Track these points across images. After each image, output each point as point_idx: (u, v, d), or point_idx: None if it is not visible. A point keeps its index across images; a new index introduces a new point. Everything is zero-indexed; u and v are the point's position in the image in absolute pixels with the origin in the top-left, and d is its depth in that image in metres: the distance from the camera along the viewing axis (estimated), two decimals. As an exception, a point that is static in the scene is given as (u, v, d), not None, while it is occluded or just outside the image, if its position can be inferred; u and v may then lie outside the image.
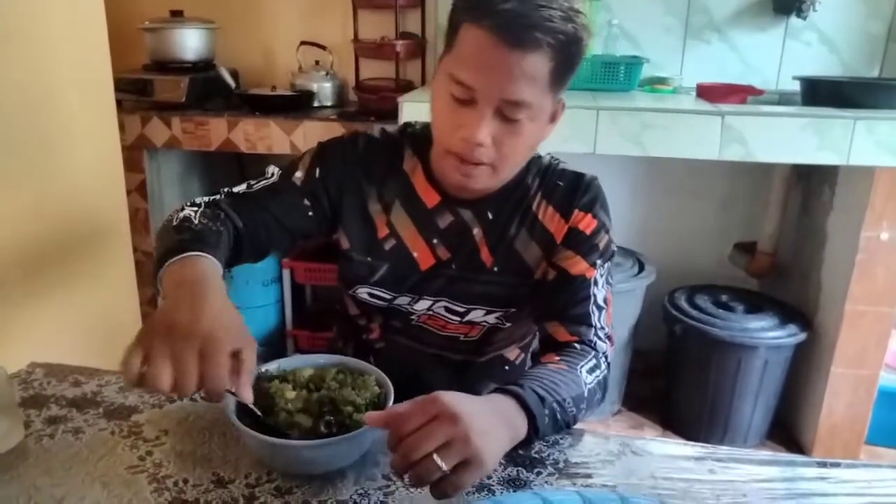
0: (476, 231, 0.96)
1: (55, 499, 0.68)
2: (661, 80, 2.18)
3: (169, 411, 0.84)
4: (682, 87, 2.18)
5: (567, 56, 0.81)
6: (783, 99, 2.09)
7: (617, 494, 0.57)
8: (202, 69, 2.29)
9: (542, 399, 0.76)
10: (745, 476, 0.75)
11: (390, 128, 1.02)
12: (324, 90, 2.31)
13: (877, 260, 1.85)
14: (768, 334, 1.97)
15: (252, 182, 0.96)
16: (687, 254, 2.46)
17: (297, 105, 2.21)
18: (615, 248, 0.98)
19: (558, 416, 0.78)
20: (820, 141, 1.73)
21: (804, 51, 2.20)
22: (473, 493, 0.70)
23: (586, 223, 0.94)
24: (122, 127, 1.50)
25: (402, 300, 0.98)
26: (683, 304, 2.13)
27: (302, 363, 0.83)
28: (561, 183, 0.96)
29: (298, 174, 0.96)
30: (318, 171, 0.96)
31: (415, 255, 0.96)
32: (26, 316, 1.19)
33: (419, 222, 0.96)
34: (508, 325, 1.00)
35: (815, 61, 2.20)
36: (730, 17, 2.22)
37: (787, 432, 2.19)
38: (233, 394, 0.67)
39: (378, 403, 0.76)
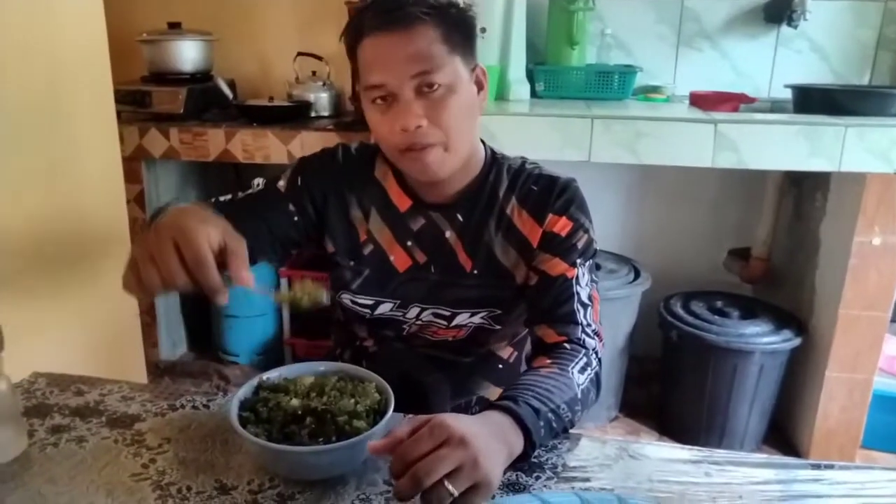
0: (449, 234, 0.98)
1: (60, 506, 0.68)
2: (655, 89, 2.20)
3: (172, 419, 0.85)
4: (675, 96, 2.20)
5: (451, 20, 0.86)
6: (775, 106, 2.11)
7: (615, 496, 0.58)
8: (200, 80, 2.31)
9: (536, 411, 0.76)
10: (740, 478, 0.76)
11: (365, 141, 1.07)
12: (321, 100, 2.32)
13: (869, 265, 1.87)
14: (763, 340, 1.99)
15: (239, 193, 1.00)
16: (682, 260, 2.48)
17: (294, 115, 2.23)
18: (597, 247, 1.00)
19: (554, 425, 0.78)
20: (812, 148, 1.75)
21: (795, 59, 2.23)
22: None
23: (561, 226, 0.95)
24: (120, 138, 1.52)
25: (385, 307, 1.00)
26: (679, 310, 2.14)
27: (302, 371, 0.84)
28: (535, 187, 0.97)
29: (281, 183, 1.00)
30: (300, 179, 1.00)
31: (391, 258, 0.99)
32: (28, 326, 1.19)
33: (393, 226, 0.99)
34: (497, 327, 1.01)
35: (807, 69, 2.23)
36: (721, 25, 2.25)
37: (783, 437, 2.20)
38: (230, 282, 0.69)
39: (378, 410, 0.77)
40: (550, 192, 0.96)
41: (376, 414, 0.76)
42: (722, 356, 2.01)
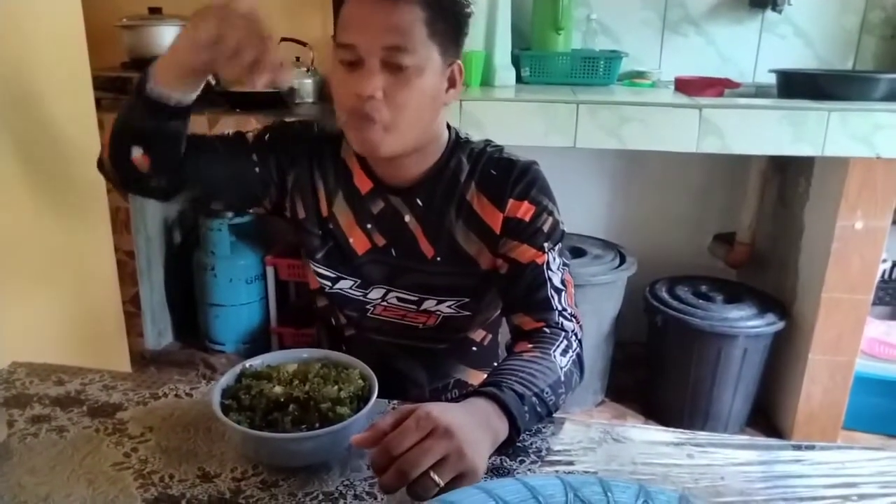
0: (409, 219, 0.97)
1: (40, 497, 0.68)
2: (640, 74, 2.20)
3: (154, 408, 0.84)
4: (660, 81, 2.20)
5: (441, 6, 0.85)
6: (759, 92, 2.12)
7: (598, 479, 0.58)
8: (181, 66, 2.27)
9: (520, 396, 0.76)
10: (722, 460, 0.77)
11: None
12: (305, 87, 2.30)
13: (851, 249, 1.89)
14: (747, 324, 2.01)
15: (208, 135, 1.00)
16: (667, 245, 2.49)
17: (278, 102, 2.20)
18: (564, 229, 0.97)
19: (538, 409, 0.78)
20: (795, 133, 1.76)
21: (780, 44, 2.24)
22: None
23: (523, 211, 0.93)
24: (100, 125, 1.49)
25: (346, 283, 1.00)
26: (664, 295, 2.16)
27: (286, 358, 0.84)
28: (495, 172, 0.95)
29: (249, 134, 0.99)
30: (267, 135, 0.99)
31: (351, 240, 0.99)
32: (6, 315, 1.18)
33: (355, 208, 0.98)
34: (468, 313, 1.01)
35: (791, 54, 2.23)
36: (706, 11, 2.25)
37: (766, 419, 2.23)
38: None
39: (362, 397, 0.77)
40: (509, 176, 0.94)
41: (360, 400, 0.76)
42: (706, 340, 2.03)
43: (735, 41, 2.26)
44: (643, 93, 2.04)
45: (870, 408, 2.08)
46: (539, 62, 2.13)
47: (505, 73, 2.07)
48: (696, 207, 2.48)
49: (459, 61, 0.92)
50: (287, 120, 1.03)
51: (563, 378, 0.84)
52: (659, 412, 2.24)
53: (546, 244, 0.94)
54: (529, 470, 0.74)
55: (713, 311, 2.05)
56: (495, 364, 1.08)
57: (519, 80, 2.12)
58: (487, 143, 1.00)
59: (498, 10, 2.02)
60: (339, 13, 0.88)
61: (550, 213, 0.94)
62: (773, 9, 2.13)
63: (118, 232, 2.01)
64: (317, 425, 0.72)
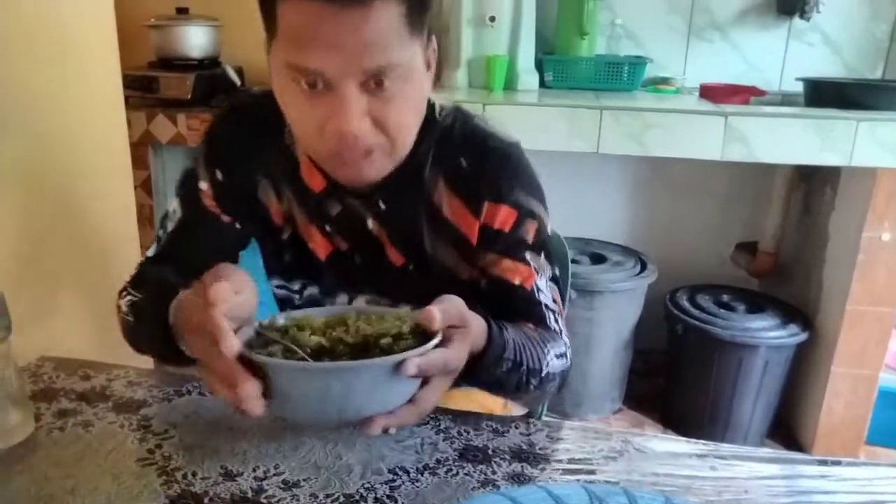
0: (371, 224, 0.83)
1: (66, 490, 0.68)
2: (665, 80, 2.18)
3: (177, 405, 0.85)
4: (685, 88, 2.19)
5: None
6: (786, 100, 2.09)
7: (621, 489, 0.58)
8: (208, 66, 2.30)
9: (504, 343, 0.71)
10: (746, 473, 0.76)
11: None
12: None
13: (877, 260, 1.86)
14: (769, 334, 1.98)
15: (160, 234, 0.86)
16: (688, 253, 2.47)
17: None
18: (549, 232, 0.84)
19: (507, 372, 0.73)
20: (822, 142, 1.73)
21: (807, 52, 2.21)
22: (479, 488, 0.71)
23: (503, 218, 0.79)
24: (128, 123, 1.52)
25: (312, 290, 0.90)
26: (685, 303, 2.14)
27: (312, 313, 0.72)
28: (466, 163, 0.79)
29: (203, 185, 0.84)
30: (218, 173, 0.83)
31: (310, 245, 0.85)
32: (36, 311, 1.20)
33: (308, 209, 0.83)
34: None
35: (818, 62, 2.21)
36: (733, 17, 2.22)
37: (787, 432, 2.20)
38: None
39: (424, 333, 0.64)
40: (482, 170, 0.78)
41: (422, 336, 0.64)
42: (727, 350, 2.00)
43: (762, 48, 2.23)
44: (667, 99, 2.02)
45: (893, 423, 2.05)
46: (563, 67, 2.12)
47: (528, 77, 2.07)
48: (719, 215, 2.46)
49: (433, 40, 0.75)
50: (217, 131, 0.85)
51: (543, 373, 0.78)
52: (677, 421, 2.22)
53: (530, 256, 0.81)
54: (550, 478, 0.74)
55: (734, 320, 2.03)
56: None
57: (542, 84, 2.12)
58: (456, 114, 0.82)
59: (522, 14, 2.02)
60: (271, 11, 0.68)
61: (535, 216, 0.81)
62: (801, 16, 2.11)
63: (142, 228, 2.04)
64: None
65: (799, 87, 1.99)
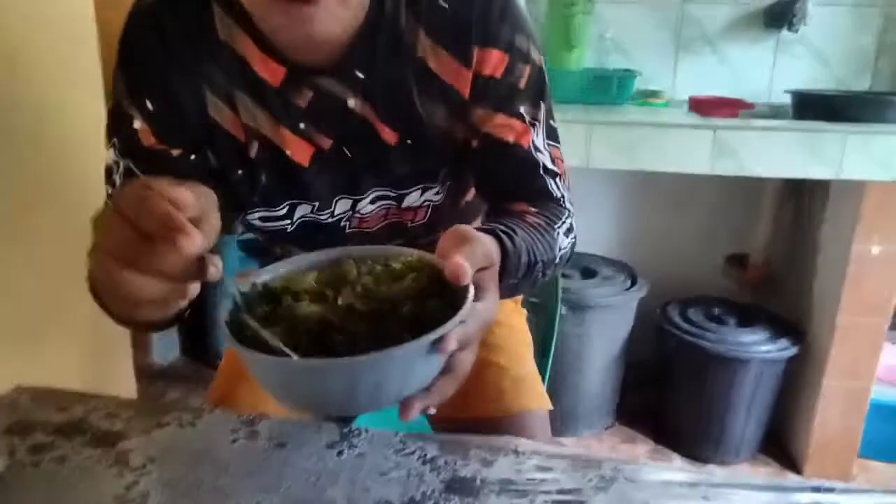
0: (353, 102, 0.72)
1: (39, 531, 0.66)
2: (654, 94, 2.18)
3: (157, 437, 0.82)
4: (674, 101, 2.19)
5: None
6: (774, 112, 2.10)
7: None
8: None
9: (519, 256, 0.65)
10: (738, 502, 0.74)
11: None
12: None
13: (868, 273, 1.85)
14: (761, 348, 1.97)
15: (109, 191, 0.76)
16: (679, 267, 2.46)
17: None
18: (547, 79, 0.77)
19: (523, 275, 0.67)
20: (811, 155, 1.73)
21: (795, 64, 2.22)
22: (465, 523, 0.69)
23: (494, 63, 0.71)
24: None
25: (304, 209, 0.79)
26: (676, 317, 2.13)
27: (298, 264, 0.61)
28: (445, 5, 0.70)
29: (137, 124, 0.70)
30: (148, 103, 0.70)
31: (288, 153, 0.74)
32: (12, 335, 1.17)
33: (272, 109, 0.72)
34: (449, 200, 0.83)
35: (806, 74, 2.21)
36: (721, 30, 2.23)
37: (779, 445, 2.19)
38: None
39: (444, 280, 0.52)
40: (469, 11, 0.69)
41: (454, 295, 0.52)
42: (719, 364, 1.99)
43: (750, 61, 2.24)
44: (656, 112, 2.02)
45: (886, 436, 2.04)
46: (551, 80, 2.10)
47: (517, 91, 2.06)
48: (709, 228, 2.46)
49: None
50: (131, 50, 0.70)
51: (557, 259, 0.72)
52: (669, 436, 2.21)
53: (524, 108, 0.74)
54: (539, 511, 0.72)
55: (726, 334, 2.02)
56: None
57: (531, 98, 2.11)
58: None
59: (511, 28, 2.02)
60: None
61: (528, 59, 0.74)
62: (789, 29, 2.11)
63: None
64: (408, 337, 0.49)
65: (787, 100, 1.99)
